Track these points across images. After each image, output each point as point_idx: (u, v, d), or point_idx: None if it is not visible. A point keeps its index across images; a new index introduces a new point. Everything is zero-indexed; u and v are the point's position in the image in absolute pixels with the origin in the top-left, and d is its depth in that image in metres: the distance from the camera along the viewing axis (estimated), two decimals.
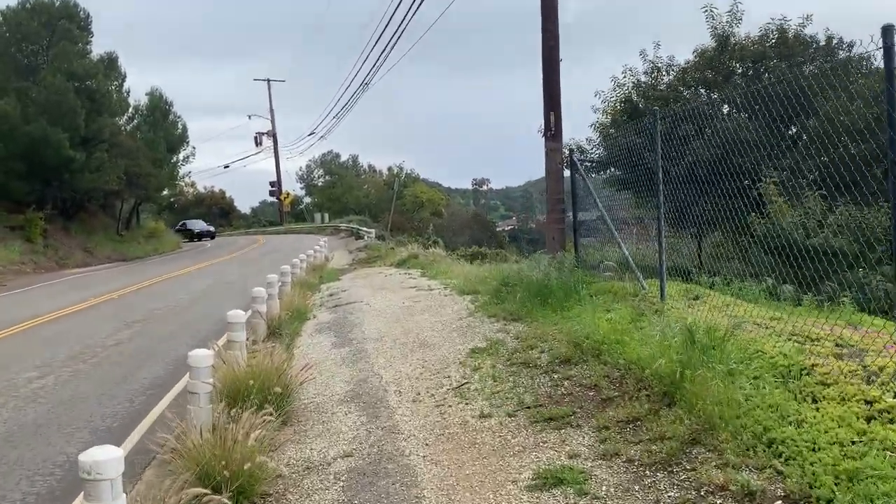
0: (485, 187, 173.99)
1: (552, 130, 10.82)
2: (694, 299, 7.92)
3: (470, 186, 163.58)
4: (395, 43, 52.21)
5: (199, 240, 54.10)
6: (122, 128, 43.24)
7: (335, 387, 7.34)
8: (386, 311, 11.83)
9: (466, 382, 6.64)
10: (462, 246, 49.97)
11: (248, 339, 10.86)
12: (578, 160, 10.94)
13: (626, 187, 10.73)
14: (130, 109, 44.52)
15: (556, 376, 6.33)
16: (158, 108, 46.16)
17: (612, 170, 12.12)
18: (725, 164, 7.40)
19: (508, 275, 11.15)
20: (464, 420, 5.68)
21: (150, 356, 10.03)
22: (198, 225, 59.60)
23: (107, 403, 7.61)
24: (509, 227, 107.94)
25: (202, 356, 5.85)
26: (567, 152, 12.04)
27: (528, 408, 5.67)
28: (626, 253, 8.59)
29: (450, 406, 6.07)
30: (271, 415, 5.50)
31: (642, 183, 10.22)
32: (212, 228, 59.42)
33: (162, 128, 45.53)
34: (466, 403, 6.06)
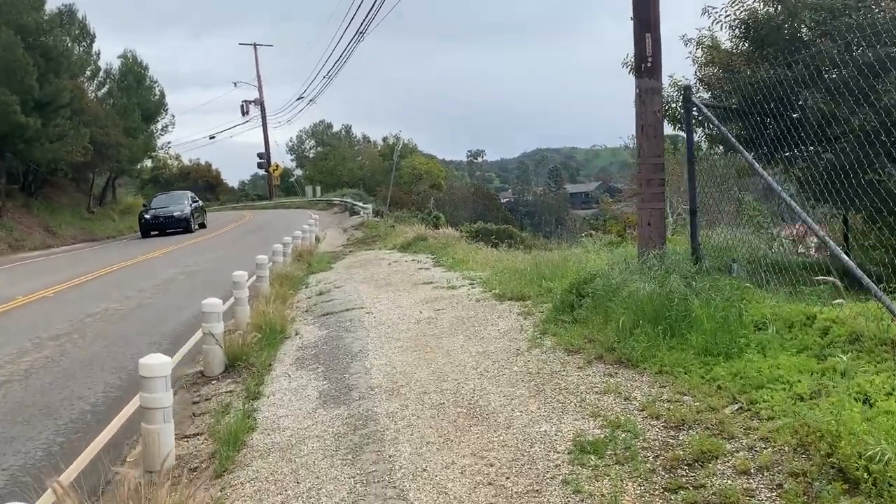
0: (480, 159, 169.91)
1: (648, 62, 7.19)
2: None
3: (465, 158, 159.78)
4: None
5: (163, 233, 30.13)
6: (93, 94, 39.39)
7: None
8: (398, 327, 8.27)
9: None
10: (465, 221, 46.47)
11: (190, 382, 7.34)
12: (706, 104, 7.25)
13: (758, 146, 7.13)
14: (101, 74, 40.67)
15: None
16: (132, 72, 42.14)
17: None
18: None
19: (578, 276, 7.60)
20: None
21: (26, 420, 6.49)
22: (167, 206, 31.46)
23: None
24: (505, 200, 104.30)
25: None
26: (673, 92, 8.44)
27: None
28: (841, 253, 4.95)
29: None
30: None
31: (787, 138, 6.66)
32: (186, 212, 31.00)
33: (136, 94, 41.54)
34: None
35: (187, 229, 30.38)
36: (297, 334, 8.82)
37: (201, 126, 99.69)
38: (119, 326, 10.40)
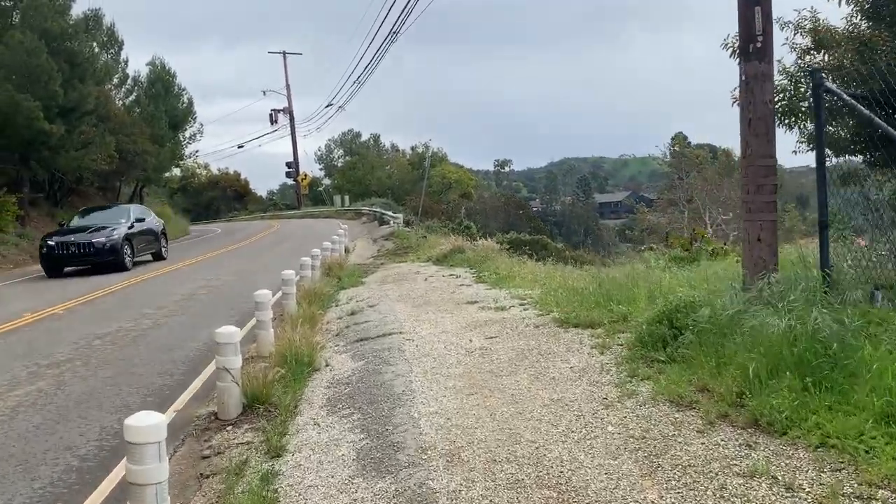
0: (507, 168, 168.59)
1: (757, 41, 5.85)
2: None
3: (492, 168, 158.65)
4: None
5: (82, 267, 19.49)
6: (120, 101, 38.87)
7: None
8: (446, 359, 6.99)
9: None
10: (497, 231, 45.21)
11: (201, 427, 6.11)
12: (854, 95, 5.81)
13: None
14: (129, 81, 40.18)
15: None
16: (160, 79, 41.62)
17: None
18: None
19: (667, 302, 6.25)
20: None
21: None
22: (87, 229, 19.85)
23: None
24: (533, 210, 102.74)
25: None
26: (795, 76, 7.08)
27: None
28: None
29: None
30: None
31: None
32: (115, 238, 19.47)
33: (164, 102, 40.99)
34: None
35: (117, 265, 18.97)
36: (327, 365, 7.57)
37: (230, 136, 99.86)
38: (128, 351, 9.24)
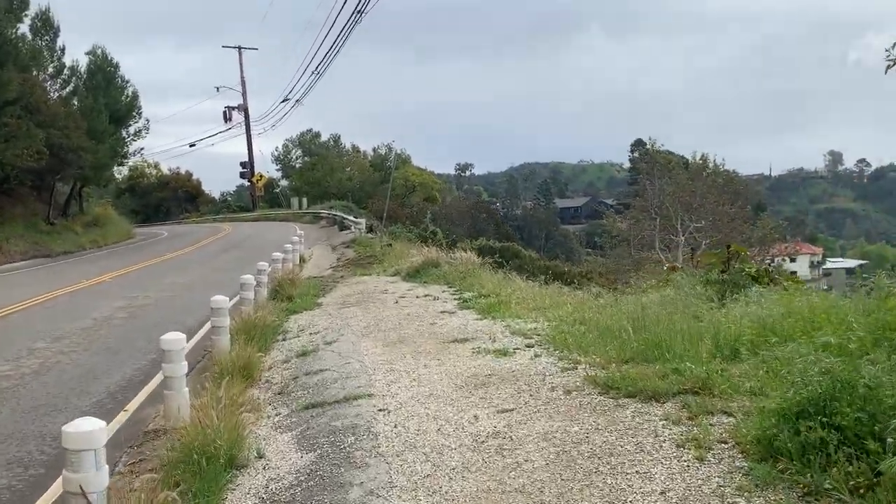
0: (468, 172, 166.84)
1: None
2: None
3: (453, 171, 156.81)
4: None
5: None
6: (56, 93, 35.46)
7: None
8: (445, 461, 4.48)
9: None
10: (464, 237, 42.81)
11: None
12: None
13: None
14: (66, 71, 36.73)
15: None
16: (101, 70, 38.21)
17: None
18: None
19: (812, 389, 3.87)
20: None
21: None
22: None
23: None
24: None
25: None
26: None
27: None
28: None
29: None
30: None
31: None
32: None
33: (105, 94, 37.58)
34: None
35: None
36: (259, 457, 5.02)
37: (186, 136, 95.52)
38: None
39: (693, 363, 5.50)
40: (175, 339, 6.08)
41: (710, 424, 4.37)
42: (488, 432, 4.85)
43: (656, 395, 5.09)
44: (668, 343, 6.25)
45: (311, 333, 9.35)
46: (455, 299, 11.16)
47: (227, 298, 8.45)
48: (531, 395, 5.60)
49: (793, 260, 49.78)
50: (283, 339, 9.30)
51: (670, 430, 4.45)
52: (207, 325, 9.00)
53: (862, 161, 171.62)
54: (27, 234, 30.58)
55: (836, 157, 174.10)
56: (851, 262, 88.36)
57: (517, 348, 7.37)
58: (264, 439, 5.40)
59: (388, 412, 5.57)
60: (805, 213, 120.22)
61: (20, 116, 26.13)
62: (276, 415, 6.08)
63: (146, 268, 20.25)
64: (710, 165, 46.50)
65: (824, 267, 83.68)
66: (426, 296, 11.84)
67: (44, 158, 28.31)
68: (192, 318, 11.20)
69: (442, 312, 9.95)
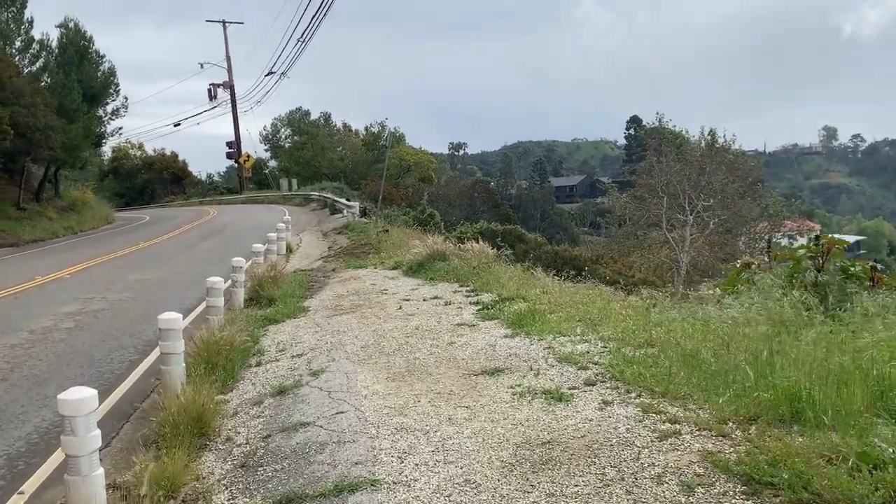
0: (461, 152, 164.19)
1: None
2: None
3: (446, 151, 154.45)
4: None
5: None
6: (26, 69, 33.03)
7: None
8: None
9: None
10: (463, 220, 40.64)
11: None
12: None
13: None
14: (35, 46, 34.24)
15: None
16: (73, 44, 35.69)
17: None
18: None
19: None
20: None
21: None
22: None
23: None
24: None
25: None
26: None
27: None
28: None
29: None
30: None
31: None
32: None
33: (78, 71, 35.09)
34: None
35: None
36: None
37: (172, 117, 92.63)
38: None
39: (853, 431, 3.49)
40: (79, 400, 4.01)
41: None
42: None
43: (836, 500, 3.06)
44: (808, 390, 4.24)
45: (292, 356, 7.27)
46: (472, 304, 9.10)
47: (181, 316, 6.37)
48: (628, 493, 3.56)
49: (792, 238, 47.79)
50: (258, 365, 7.22)
51: None
52: (154, 356, 6.95)
53: (856, 136, 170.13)
54: None
55: (830, 133, 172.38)
56: (850, 238, 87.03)
57: (574, 388, 5.34)
58: None
59: None
60: (800, 190, 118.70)
61: None
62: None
63: (115, 259, 18.10)
64: (720, 141, 44.47)
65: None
66: (435, 298, 9.78)
67: (7, 139, 26.07)
68: (152, 329, 9.12)
69: (459, 325, 7.88)
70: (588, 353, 6.22)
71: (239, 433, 5.30)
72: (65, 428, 4.02)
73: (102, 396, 6.48)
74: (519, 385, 5.51)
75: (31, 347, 8.60)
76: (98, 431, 4.12)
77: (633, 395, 5.04)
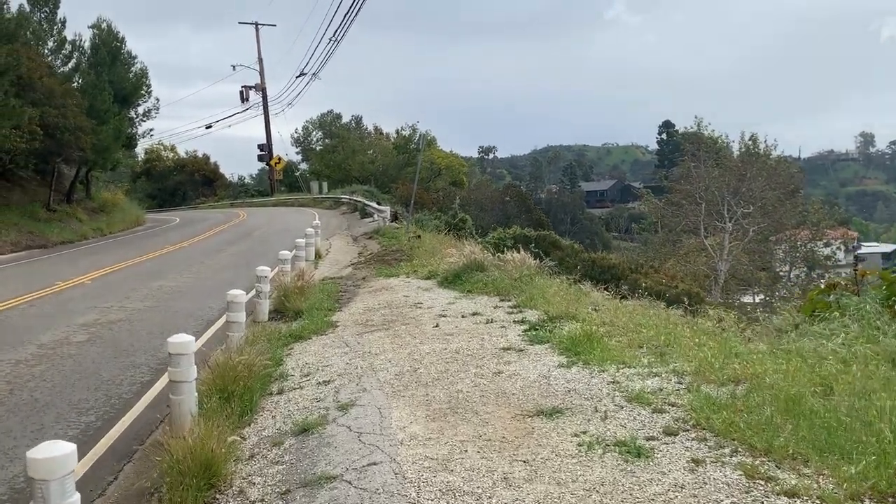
0: (491, 155, 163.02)
1: None
2: None
3: (476, 154, 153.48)
4: None
5: None
6: (60, 70, 32.88)
7: None
8: None
9: None
10: (495, 225, 39.74)
11: None
12: None
13: None
14: (67, 46, 34.10)
15: None
16: (106, 45, 35.50)
17: None
18: None
19: None
20: None
21: None
22: None
23: None
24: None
25: None
26: None
27: None
28: None
29: None
30: None
31: None
32: None
33: (110, 71, 34.88)
34: None
35: None
36: None
37: (202, 119, 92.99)
38: None
39: None
40: (50, 459, 3.21)
41: None
42: None
43: None
44: None
45: (318, 383, 6.45)
46: (516, 322, 8.22)
47: (193, 339, 5.57)
48: None
49: (827, 245, 45.99)
50: (280, 392, 6.41)
51: None
52: (160, 385, 6.19)
53: (894, 143, 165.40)
54: (22, 223, 28.02)
55: (867, 139, 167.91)
56: (888, 247, 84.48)
57: (652, 437, 4.43)
58: None
59: None
60: (836, 196, 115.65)
61: (6, 92, 23.50)
62: None
63: (140, 263, 17.53)
64: (762, 147, 42.99)
65: (858, 252, 79.83)
66: (475, 315, 8.91)
67: (37, 139, 25.77)
68: None
69: (506, 349, 7.00)
70: (662, 390, 5.31)
71: (254, 484, 4.48)
72: (34, 494, 3.23)
73: (105, 427, 5.75)
74: (585, 432, 4.62)
75: (37, 365, 7.91)
76: (77, 497, 3.33)
77: (728, 450, 4.13)
